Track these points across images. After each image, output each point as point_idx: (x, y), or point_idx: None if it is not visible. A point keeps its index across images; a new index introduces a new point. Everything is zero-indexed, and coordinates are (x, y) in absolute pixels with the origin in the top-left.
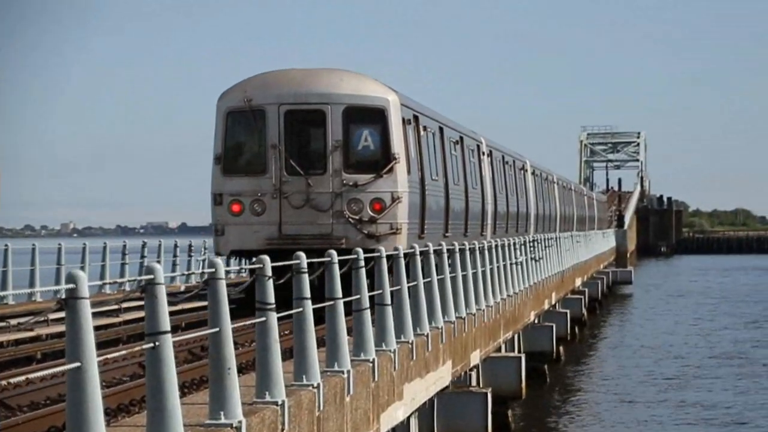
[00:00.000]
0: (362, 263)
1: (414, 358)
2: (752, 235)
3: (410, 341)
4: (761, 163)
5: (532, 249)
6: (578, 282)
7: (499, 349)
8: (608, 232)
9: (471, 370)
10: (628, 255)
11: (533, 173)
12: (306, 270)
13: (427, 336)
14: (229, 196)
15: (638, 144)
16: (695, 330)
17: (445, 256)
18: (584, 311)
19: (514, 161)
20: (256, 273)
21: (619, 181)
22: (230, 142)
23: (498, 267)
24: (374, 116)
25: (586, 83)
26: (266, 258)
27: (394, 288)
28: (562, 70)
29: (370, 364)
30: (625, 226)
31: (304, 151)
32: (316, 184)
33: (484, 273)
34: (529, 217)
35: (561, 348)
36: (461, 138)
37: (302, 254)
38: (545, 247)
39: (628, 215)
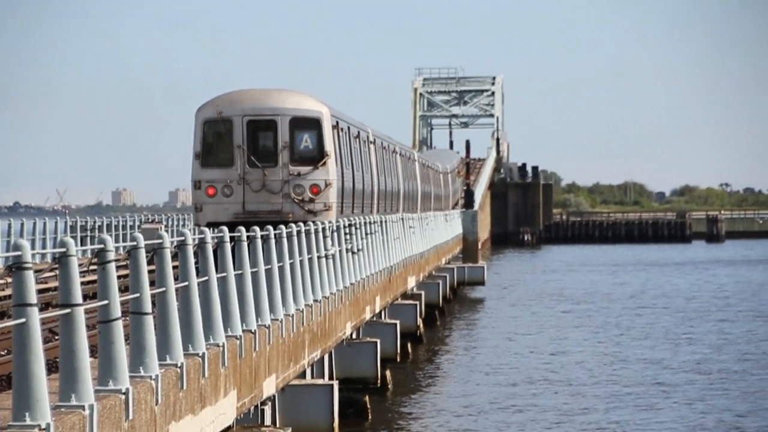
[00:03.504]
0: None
1: (184, 387)
2: (647, 217)
3: (179, 364)
4: (657, 122)
5: (347, 237)
6: (411, 282)
7: (302, 375)
8: (453, 215)
9: (264, 403)
10: (480, 246)
11: (400, 155)
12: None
13: (203, 357)
14: (206, 183)
15: (493, 93)
16: (564, 345)
17: (244, 245)
18: (419, 322)
19: (388, 145)
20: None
21: (467, 144)
22: (206, 143)
23: (301, 262)
24: (312, 124)
25: (419, 14)
26: (70, 241)
27: (156, 290)
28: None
29: (123, 396)
30: (476, 206)
31: (261, 149)
32: (270, 174)
33: (281, 269)
34: (399, 196)
35: (387, 372)
36: (358, 132)
37: (108, 238)
38: (366, 234)
39: (480, 191)
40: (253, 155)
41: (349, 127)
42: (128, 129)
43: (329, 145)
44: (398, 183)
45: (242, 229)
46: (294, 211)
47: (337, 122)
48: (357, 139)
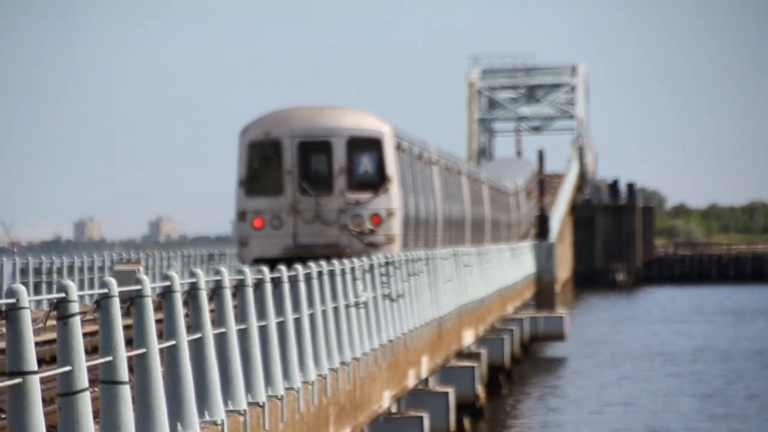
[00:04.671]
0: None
1: None
2: None
3: None
4: None
5: (384, 280)
6: (469, 338)
7: None
8: (522, 248)
9: None
10: (558, 288)
11: (467, 176)
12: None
13: None
14: (252, 213)
15: (573, 88)
16: (669, 420)
17: (251, 290)
18: (479, 390)
19: (453, 165)
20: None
21: (540, 155)
22: (252, 169)
23: (324, 312)
24: (372, 145)
25: None
26: (20, 289)
27: (135, 352)
28: None
29: None
30: (552, 237)
31: (314, 175)
32: (325, 203)
33: (298, 323)
34: (465, 225)
35: None
36: (421, 152)
37: (70, 284)
38: (408, 275)
39: (557, 216)
40: (305, 181)
41: (411, 147)
42: (95, 144)
43: (391, 168)
44: (464, 210)
45: (246, 271)
46: (352, 245)
47: (399, 142)
48: (419, 161)
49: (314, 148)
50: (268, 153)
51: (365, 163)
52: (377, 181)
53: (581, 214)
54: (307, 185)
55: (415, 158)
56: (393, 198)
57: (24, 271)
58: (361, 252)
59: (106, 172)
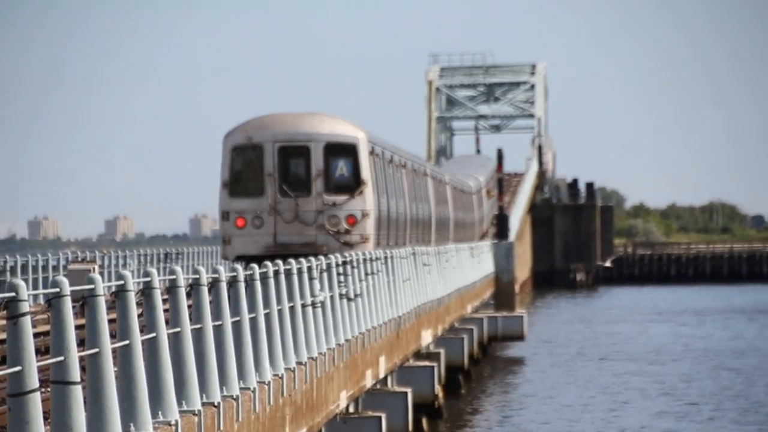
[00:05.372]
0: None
1: None
2: (739, 249)
3: None
4: (752, 126)
5: (341, 279)
6: (427, 338)
7: None
8: (481, 247)
9: None
10: (517, 288)
11: (432, 177)
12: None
13: None
14: (235, 213)
15: (533, 87)
16: (627, 420)
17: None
18: (438, 390)
19: (419, 167)
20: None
21: (499, 153)
22: (235, 171)
23: (280, 311)
24: (348, 150)
25: None
26: None
27: (87, 352)
28: None
29: None
30: (511, 236)
31: (293, 178)
32: (303, 204)
33: (254, 322)
34: (431, 224)
35: None
36: (392, 156)
37: (21, 283)
38: (366, 274)
39: (517, 216)
40: (284, 184)
41: (383, 152)
42: (51, 141)
43: (366, 172)
44: (430, 210)
45: (201, 270)
46: (329, 244)
47: (373, 147)
48: (391, 164)
49: (294, 152)
50: (250, 156)
51: (341, 167)
52: (353, 184)
53: (540, 213)
54: (286, 187)
55: (387, 162)
56: (367, 200)
57: None
58: (337, 251)
59: (62, 170)
